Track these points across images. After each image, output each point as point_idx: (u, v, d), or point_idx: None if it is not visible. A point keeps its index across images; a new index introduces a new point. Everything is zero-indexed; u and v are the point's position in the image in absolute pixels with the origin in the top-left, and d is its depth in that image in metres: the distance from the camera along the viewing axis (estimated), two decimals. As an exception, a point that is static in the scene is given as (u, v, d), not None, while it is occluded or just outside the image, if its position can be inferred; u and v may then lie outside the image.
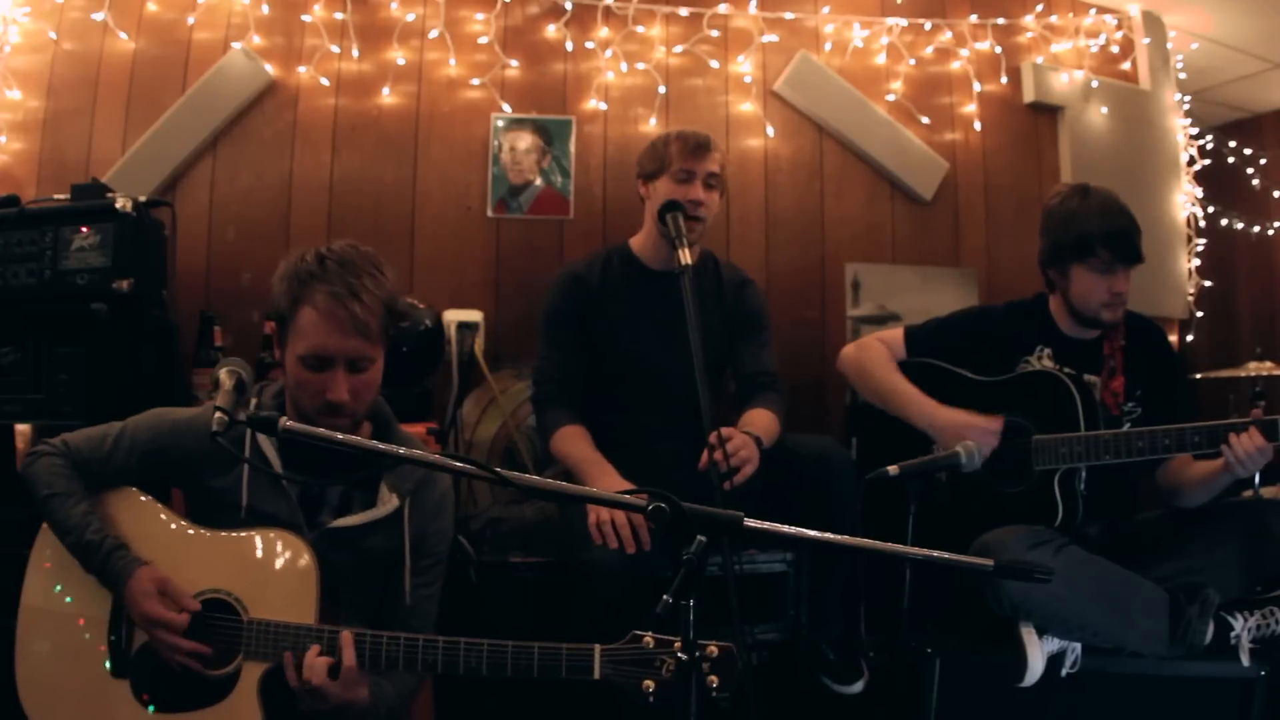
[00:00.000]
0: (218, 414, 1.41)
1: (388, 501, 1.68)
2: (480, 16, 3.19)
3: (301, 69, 3.10)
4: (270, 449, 1.64)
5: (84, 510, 1.59)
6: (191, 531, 1.63)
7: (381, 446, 1.33)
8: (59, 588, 1.62)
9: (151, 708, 1.55)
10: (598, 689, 1.60)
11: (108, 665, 1.58)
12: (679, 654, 1.35)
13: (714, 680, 1.37)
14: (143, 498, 1.67)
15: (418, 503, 1.72)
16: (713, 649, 1.38)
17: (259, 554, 1.58)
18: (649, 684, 1.39)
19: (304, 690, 1.48)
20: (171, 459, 1.67)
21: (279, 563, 1.58)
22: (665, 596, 1.15)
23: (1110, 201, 2.33)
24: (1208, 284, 3.95)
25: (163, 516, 1.65)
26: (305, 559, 1.56)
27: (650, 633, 1.41)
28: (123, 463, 1.66)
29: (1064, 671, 2.05)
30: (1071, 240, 2.33)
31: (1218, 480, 2.16)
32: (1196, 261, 3.91)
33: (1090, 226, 2.30)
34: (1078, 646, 2.06)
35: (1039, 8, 3.58)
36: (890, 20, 3.44)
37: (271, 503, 1.64)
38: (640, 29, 3.28)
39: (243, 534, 1.61)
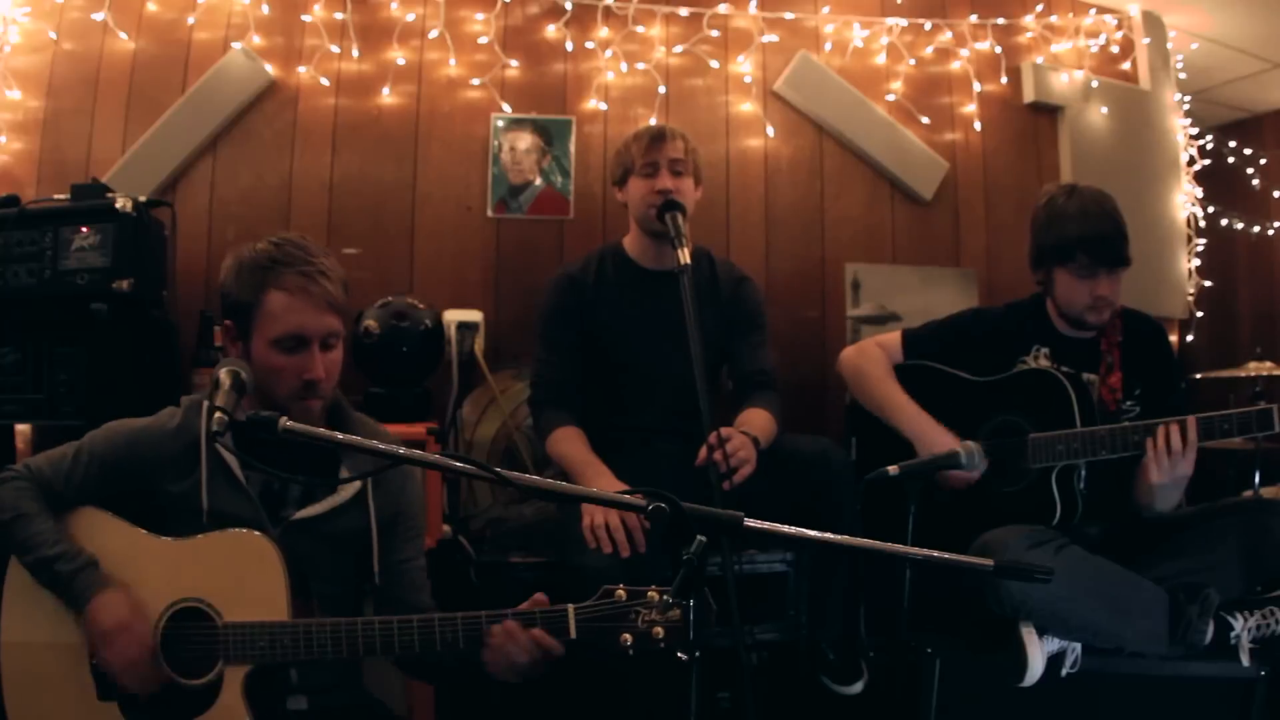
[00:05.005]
0: (217, 414, 1.40)
1: (348, 485, 1.67)
2: (480, 16, 3.20)
3: (301, 69, 3.10)
4: (227, 450, 1.61)
5: (52, 527, 1.58)
6: (155, 542, 1.60)
7: (381, 447, 1.32)
8: (35, 619, 1.59)
9: None
10: (599, 679, 1.61)
11: (94, 690, 1.56)
12: (653, 603, 1.36)
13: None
14: (105, 514, 1.64)
15: (380, 480, 1.71)
16: (653, 594, 1.38)
17: (223, 556, 1.56)
18: (626, 638, 1.38)
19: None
20: (132, 468, 1.65)
21: (244, 562, 1.56)
22: (665, 596, 1.15)
23: (1092, 204, 2.30)
24: (1208, 284, 3.95)
25: (126, 531, 1.62)
26: (269, 553, 1.55)
27: (622, 585, 1.40)
28: (84, 478, 1.64)
29: (1064, 671, 2.05)
30: (1051, 243, 2.33)
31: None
32: (1196, 261, 3.91)
33: (1069, 230, 2.29)
34: (1078, 646, 2.06)
35: (1039, 8, 3.58)
36: (890, 20, 3.44)
37: (233, 503, 1.62)
38: (640, 29, 3.28)
39: (204, 537, 1.58)
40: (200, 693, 1.53)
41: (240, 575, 1.56)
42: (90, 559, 1.56)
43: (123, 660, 1.51)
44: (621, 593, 1.40)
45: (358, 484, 1.68)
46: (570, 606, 1.44)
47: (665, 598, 1.31)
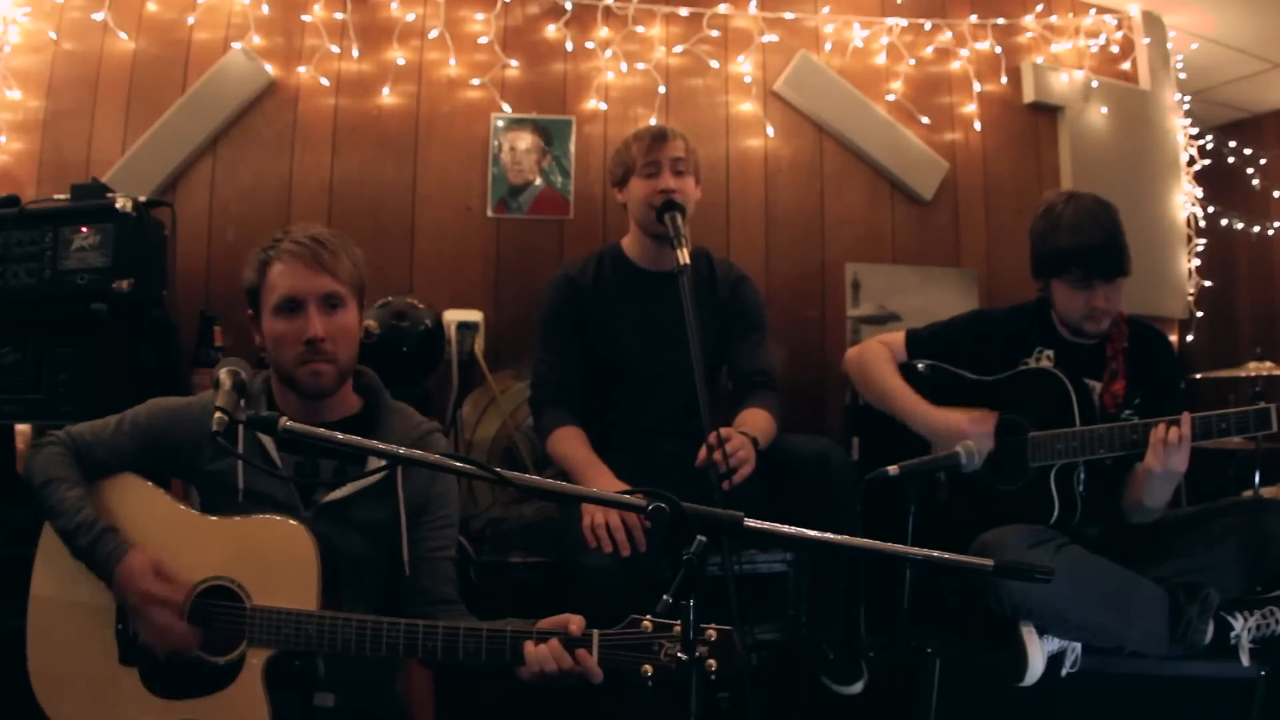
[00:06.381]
0: (217, 414, 1.42)
1: (376, 466, 1.68)
2: (480, 16, 3.20)
3: (301, 69, 3.10)
4: (263, 435, 1.64)
5: (78, 495, 1.61)
6: (193, 517, 1.64)
7: (381, 446, 1.33)
8: (65, 577, 1.63)
9: (159, 695, 1.57)
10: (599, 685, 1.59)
11: (116, 653, 1.59)
12: (677, 637, 1.35)
13: (713, 664, 1.34)
14: (144, 483, 1.68)
15: (409, 470, 1.71)
16: (711, 632, 1.35)
17: (260, 541, 1.59)
18: (647, 668, 1.38)
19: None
20: (170, 445, 1.69)
21: (280, 549, 1.58)
22: (665, 596, 1.15)
23: (1085, 214, 2.29)
24: (1208, 284, 3.95)
25: (164, 502, 1.66)
26: (306, 545, 1.57)
27: (648, 616, 1.40)
28: (123, 447, 1.68)
29: (1064, 671, 2.05)
30: (1047, 255, 2.34)
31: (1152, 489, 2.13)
32: (1196, 261, 3.91)
33: (1063, 242, 2.29)
34: (1078, 646, 2.06)
35: (1039, 8, 3.58)
36: (890, 20, 3.44)
37: (267, 484, 1.65)
38: (640, 29, 3.28)
39: (244, 520, 1.61)
40: (221, 670, 1.55)
41: (275, 561, 1.58)
42: (106, 526, 1.58)
43: (157, 622, 1.53)
44: (647, 623, 1.40)
45: (383, 463, 1.68)
46: (595, 632, 1.44)
47: (694, 653, 1.30)
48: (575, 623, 1.46)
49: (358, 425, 1.72)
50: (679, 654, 1.27)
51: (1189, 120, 3.97)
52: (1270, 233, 4.53)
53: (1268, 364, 3.36)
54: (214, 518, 1.63)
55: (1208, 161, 4.04)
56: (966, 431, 2.26)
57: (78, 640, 1.61)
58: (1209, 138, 4.12)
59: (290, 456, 1.67)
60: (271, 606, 1.54)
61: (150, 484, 1.68)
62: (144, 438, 1.70)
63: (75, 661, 1.61)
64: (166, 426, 1.71)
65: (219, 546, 1.60)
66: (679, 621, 1.35)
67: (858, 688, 2.31)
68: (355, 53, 3.12)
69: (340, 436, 1.38)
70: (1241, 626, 2.07)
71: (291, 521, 1.60)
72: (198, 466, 1.68)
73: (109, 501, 1.65)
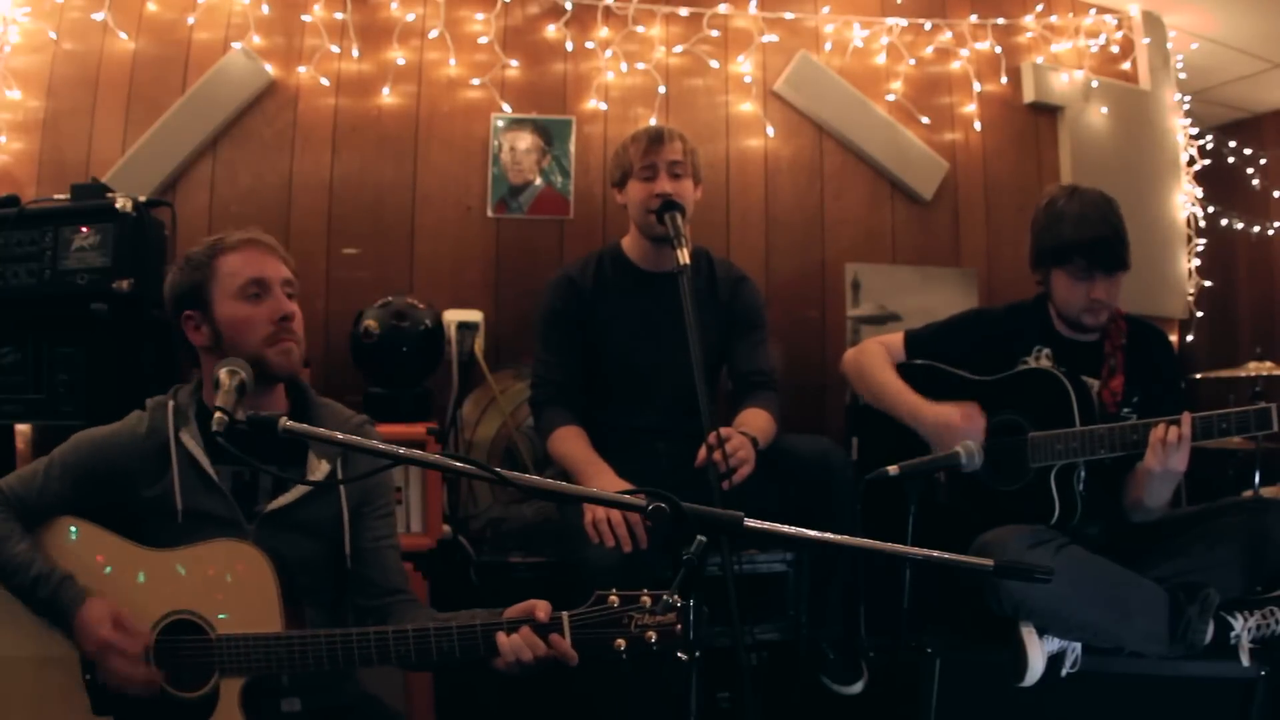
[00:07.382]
0: (217, 414, 1.41)
1: (317, 469, 1.67)
2: (480, 16, 3.20)
3: (301, 69, 3.10)
4: (197, 448, 1.63)
5: (25, 549, 1.56)
6: (141, 552, 1.59)
7: (381, 446, 1.33)
8: (21, 633, 1.57)
9: None
10: (599, 679, 1.60)
11: (88, 705, 1.55)
12: (645, 608, 1.37)
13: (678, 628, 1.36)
14: (90, 525, 1.62)
15: (349, 462, 1.70)
16: (645, 599, 1.37)
17: (214, 568, 1.56)
18: (620, 642, 1.38)
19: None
20: (103, 477, 1.65)
21: (236, 574, 1.54)
22: (665, 596, 1.15)
23: (1090, 207, 2.31)
24: (1208, 284, 3.95)
25: (110, 541, 1.61)
26: (261, 565, 1.54)
27: (614, 590, 1.40)
28: (58, 491, 1.63)
29: (1064, 671, 2.05)
30: (1049, 245, 2.34)
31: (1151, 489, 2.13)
32: (1196, 261, 3.91)
33: (1066, 233, 2.30)
34: (1078, 646, 2.06)
35: (1039, 8, 3.58)
36: (890, 20, 3.44)
37: (207, 500, 1.62)
38: (640, 29, 3.28)
39: (192, 548, 1.57)
40: (196, 705, 1.52)
41: (232, 586, 1.54)
42: (64, 575, 1.55)
43: (118, 670, 1.51)
44: (614, 598, 1.40)
45: (325, 466, 1.68)
46: (565, 614, 1.43)
47: (664, 597, 1.31)
48: (541, 608, 1.45)
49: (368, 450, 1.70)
50: (651, 622, 1.28)
51: (1189, 120, 3.97)
52: (1270, 233, 4.53)
53: (1268, 364, 3.37)
54: (163, 550, 1.58)
55: (1208, 161, 4.04)
56: (958, 426, 2.26)
57: (46, 695, 1.56)
58: (1209, 138, 4.13)
59: (227, 471, 1.64)
60: (238, 635, 1.51)
61: (92, 525, 1.62)
62: (75, 476, 1.64)
63: (46, 717, 1.56)
64: (96, 460, 1.65)
65: (173, 579, 1.56)
66: (644, 590, 1.36)
67: (858, 688, 2.32)
68: (355, 53, 3.12)
69: (340, 436, 1.38)
70: (1241, 626, 2.07)
71: (240, 543, 1.56)
72: (134, 494, 1.63)
73: (54, 550, 1.59)
